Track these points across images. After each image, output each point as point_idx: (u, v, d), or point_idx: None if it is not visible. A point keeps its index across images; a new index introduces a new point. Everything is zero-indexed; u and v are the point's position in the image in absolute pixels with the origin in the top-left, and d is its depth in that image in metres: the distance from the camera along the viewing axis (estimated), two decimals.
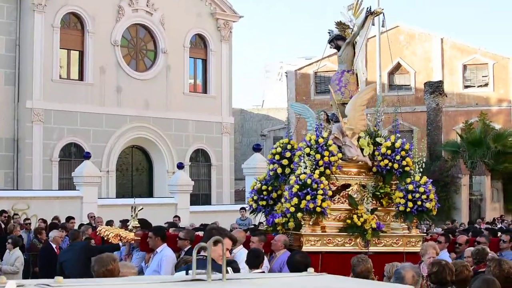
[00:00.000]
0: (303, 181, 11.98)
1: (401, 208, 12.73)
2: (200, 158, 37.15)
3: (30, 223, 21.76)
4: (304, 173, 12.14)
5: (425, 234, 14.20)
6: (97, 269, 7.55)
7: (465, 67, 44.05)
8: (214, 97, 37.35)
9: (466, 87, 44.05)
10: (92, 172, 25.76)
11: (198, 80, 37.73)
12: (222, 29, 37.62)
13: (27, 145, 30.94)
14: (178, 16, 35.76)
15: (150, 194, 34.96)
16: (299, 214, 12.06)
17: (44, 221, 21.47)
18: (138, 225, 12.52)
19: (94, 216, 22.22)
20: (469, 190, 34.51)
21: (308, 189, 11.86)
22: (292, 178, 12.30)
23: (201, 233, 12.57)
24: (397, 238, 12.82)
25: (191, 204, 33.40)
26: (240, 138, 50.27)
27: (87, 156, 26.98)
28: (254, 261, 9.85)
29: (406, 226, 13.02)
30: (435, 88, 36.58)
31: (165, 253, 11.12)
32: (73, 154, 32.01)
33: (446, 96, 38.24)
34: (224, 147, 37.70)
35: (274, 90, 67.11)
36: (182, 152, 35.82)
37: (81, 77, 33.11)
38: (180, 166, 29.71)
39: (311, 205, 11.80)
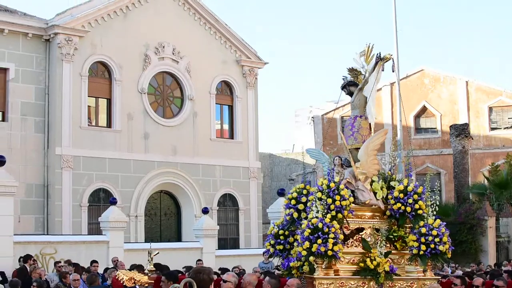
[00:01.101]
0: (314, 225, 12.23)
1: (415, 251, 12.86)
2: (228, 203, 37.50)
3: (62, 266, 22.17)
4: (316, 217, 12.40)
5: (440, 277, 14.25)
6: None
7: (490, 109, 44.22)
8: (241, 142, 37.80)
9: (493, 129, 44.14)
10: (118, 217, 26.16)
11: (224, 125, 38.23)
12: (247, 76, 38.19)
13: (57, 191, 31.50)
14: (203, 64, 36.43)
15: (178, 239, 35.30)
16: (311, 258, 12.28)
17: (72, 264, 21.89)
18: (154, 269, 12.81)
19: (117, 260, 22.58)
20: (496, 232, 34.45)
21: (319, 233, 12.11)
22: (304, 222, 12.57)
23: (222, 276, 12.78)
24: (412, 281, 12.90)
25: (220, 248, 33.90)
26: (269, 182, 50.59)
27: (113, 201, 27.45)
28: None
29: (421, 269, 13.15)
30: (460, 130, 36.70)
31: None
32: (102, 200, 32.46)
33: (472, 139, 38.37)
34: (251, 192, 38.06)
35: (304, 134, 67.47)
36: (209, 197, 36.23)
37: (109, 124, 33.72)
38: (205, 211, 30.04)
39: (322, 249, 12.03)
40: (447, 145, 41.64)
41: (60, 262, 22.68)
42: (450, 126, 37.90)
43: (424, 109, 44.74)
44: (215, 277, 12.65)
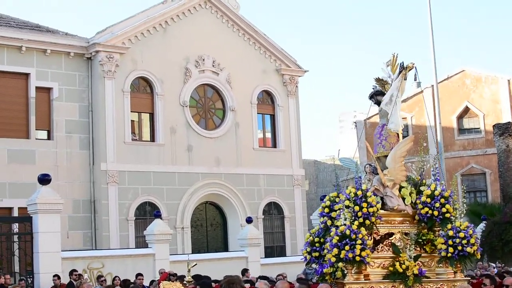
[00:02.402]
0: (342, 232, 12.56)
1: (443, 253, 13.13)
2: (273, 211, 37.81)
3: (105, 280, 22.73)
4: (344, 224, 12.71)
5: (471, 278, 14.42)
6: None
7: None
8: (284, 150, 38.11)
9: None
10: (163, 230, 26.57)
11: (267, 134, 38.56)
12: (288, 84, 38.52)
13: (103, 206, 32.09)
14: (244, 74, 36.87)
15: (225, 248, 35.68)
16: (340, 264, 12.61)
17: (119, 279, 22.43)
18: (191, 279, 13.21)
19: (163, 272, 23.04)
20: None
21: (347, 240, 12.43)
22: (333, 230, 12.90)
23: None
24: (441, 283, 13.17)
25: (267, 256, 34.24)
26: (315, 189, 50.78)
27: (157, 214, 27.89)
28: None
29: (452, 271, 13.38)
30: (504, 129, 36.55)
31: None
32: (148, 213, 32.92)
33: None
34: (296, 199, 38.35)
35: (349, 139, 67.52)
36: (254, 206, 36.60)
37: (152, 138, 34.27)
38: (249, 220, 30.38)
39: (350, 255, 12.36)
40: (491, 145, 41.49)
41: (103, 276, 23.20)
42: (493, 126, 37.77)
43: (466, 110, 44.63)
44: (248, 285, 13.01)
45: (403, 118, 42.42)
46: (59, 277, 21.80)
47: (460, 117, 44.46)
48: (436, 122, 30.73)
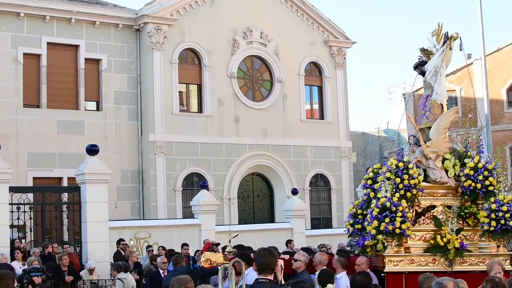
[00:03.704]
0: (383, 204, 12.52)
1: (486, 227, 12.99)
2: (320, 183, 37.83)
3: (152, 250, 23.04)
4: (385, 196, 12.67)
5: None
6: None
7: None
8: (331, 122, 38.03)
9: None
10: (208, 200, 26.72)
11: (314, 106, 38.51)
12: (336, 56, 38.34)
13: (151, 177, 32.44)
14: (291, 46, 36.78)
15: (271, 220, 35.84)
16: (380, 236, 12.60)
17: (164, 248, 22.70)
18: (233, 250, 13.30)
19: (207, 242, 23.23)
20: None
21: (387, 212, 12.40)
22: (373, 202, 12.88)
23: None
24: (484, 257, 13.01)
25: (313, 228, 34.31)
26: (363, 161, 50.61)
27: (204, 185, 28.09)
28: (324, 280, 10.47)
29: (495, 246, 13.23)
30: None
31: (249, 276, 11.84)
32: (195, 183, 33.18)
33: None
34: (343, 171, 38.31)
35: (398, 112, 67.04)
36: (301, 178, 36.65)
37: (200, 109, 34.46)
38: (295, 192, 30.40)
39: (390, 227, 12.32)
40: None
41: (151, 246, 23.52)
42: None
43: None
44: (287, 256, 13.06)
45: (452, 90, 41.99)
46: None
47: (510, 90, 43.73)
48: (484, 94, 30.30)
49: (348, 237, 15.27)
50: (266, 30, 36.14)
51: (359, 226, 14.19)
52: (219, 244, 21.38)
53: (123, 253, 22.11)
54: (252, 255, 11.30)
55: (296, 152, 36.64)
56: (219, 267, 14.14)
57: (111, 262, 20.66)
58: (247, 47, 35.66)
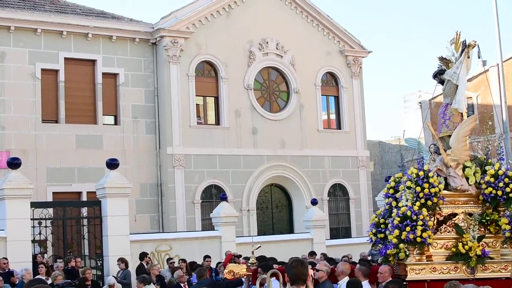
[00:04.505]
0: (403, 213, 12.56)
1: (507, 234, 12.98)
2: (338, 193, 37.87)
3: (173, 263, 23.10)
4: (406, 205, 12.71)
5: None
6: None
7: None
8: (348, 132, 38.08)
9: None
10: (228, 212, 26.82)
11: (331, 116, 38.56)
12: (352, 66, 38.42)
13: (170, 189, 32.56)
14: (307, 56, 36.90)
15: (290, 230, 35.88)
16: (401, 245, 12.62)
17: (184, 260, 22.76)
18: (255, 261, 13.38)
19: (228, 254, 23.32)
20: None
21: (408, 221, 12.43)
22: (394, 211, 12.91)
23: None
24: (506, 264, 13.00)
25: (332, 238, 34.32)
26: (380, 170, 50.54)
27: (224, 197, 28.19)
28: None
29: None
30: None
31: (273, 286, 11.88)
32: (214, 196, 33.28)
33: None
34: (361, 181, 38.34)
35: (414, 120, 66.87)
36: (319, 188, 36.70)
37: (217, 121, 34.58)
38: (314, 202, 30.45)
39: (411, 236, 12.34)
40: None
41: (172, 258, 23.60)
42: None
43: None
44: (310, 266, 13.09)
45: (468, 97, 41.86)
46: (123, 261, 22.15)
47: None
48: (502, 101, 30.29)
49: (372, 246, 15.30)
50: (282, 41, 36.28)
51: (382, 235, 14.20)
52: (240, 255, 21.45)
53: (146, 266, 22.19)
54: (276, 266, 11.36)
55: (314, 162, 36.70)
56: (243, 279, 14.29)
57: (136, 276, 20.75)
58: (263, 58, 35.79)
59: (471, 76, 39.64)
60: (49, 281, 17.99)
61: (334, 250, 27.85)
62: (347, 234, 36.99)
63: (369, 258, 22.28)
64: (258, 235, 32.89)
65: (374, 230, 14.36)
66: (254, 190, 34.88)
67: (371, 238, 14.53)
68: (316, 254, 24.35)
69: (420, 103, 47.99)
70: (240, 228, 32.57)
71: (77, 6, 34.21)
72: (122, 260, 21.49)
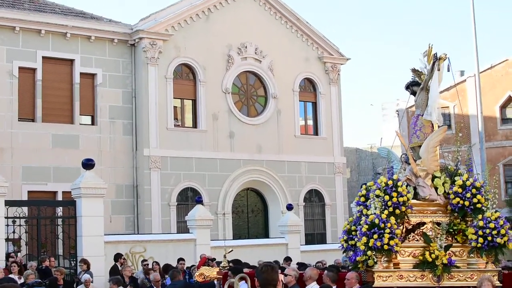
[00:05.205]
0: (371, 221, 12.78)
1: (474, 244, 13.21)
2: (314, 198, 38.04)
3: (147, 264, 23.13)
4: (374, 213, 12.93)
5: (501, 269, 14.40)
6: None
7: None
8: (325, 138, 38.27)
9: None
10: (204, 215, 26.89)
11: (308, 122, 38.74)
12: (330, 72, 38.63)
13: (146, 191, 32.59)
14: (286, 62, 37.07)
15: (266, 235, 36.02)
16: (369, 252, 12.82)
17: (158, 263, 22.86)
18: (226, 265, 13.53)
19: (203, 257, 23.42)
20: None
21: (375, 229, 12.64)
22: (363, 218, 13.12)
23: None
24: (472, 273, 13.21)
25: (307, 243, 34.49)
26: (356, 177, 50.86)
27: (199, 200, 28.27)
28: None
29: (483, 262, 13.43)
30: None
31: None
32: (190, 198, 33.34)
33: None
34: (337, 187, 38.53)
35: (391, 128, 67.14)
36: (295, 193, 36.85)
37: (194, 124, 34.65)
38: (289, 207, 30.60)
39: (378, 243, 12.57)
40: None
41: (146, 260, 23.64)
42: None
43: (510, 99, 43.94)
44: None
45: (445, 107, 42.24)
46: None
47: (503, 107, 43.96)
48: (478, 111, 30.58)
49: (343, 253, 15.49)
50: (261, 46, 36.43)
51: (353, 242, 14.41)
52: (214, 259, 21.58)
53: (120, 267, 22.23)
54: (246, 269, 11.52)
55: (290, 167, 36.86)
56: (215, 281, 14.46)
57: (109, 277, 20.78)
58: (242, 62, 35.93)
59: (449, 85, 40.01)
60: (21, 280, 18.01)
61: (308, 255, 27.99)
62: (322, 240, 37.18)
63: (343, 264, 22.43)
64: (233, 239, 33.02)
65: (345, 237, 14.59)
66: (230, 194, 34.98)
67: (342, 245, 14.74)
68: (291, 260, 24.41)
69: (397, 111, 48.32)
70: (215, 232, 32.68)
71: (56, 5, 34.19)
72: (84, 262, 21.38)
